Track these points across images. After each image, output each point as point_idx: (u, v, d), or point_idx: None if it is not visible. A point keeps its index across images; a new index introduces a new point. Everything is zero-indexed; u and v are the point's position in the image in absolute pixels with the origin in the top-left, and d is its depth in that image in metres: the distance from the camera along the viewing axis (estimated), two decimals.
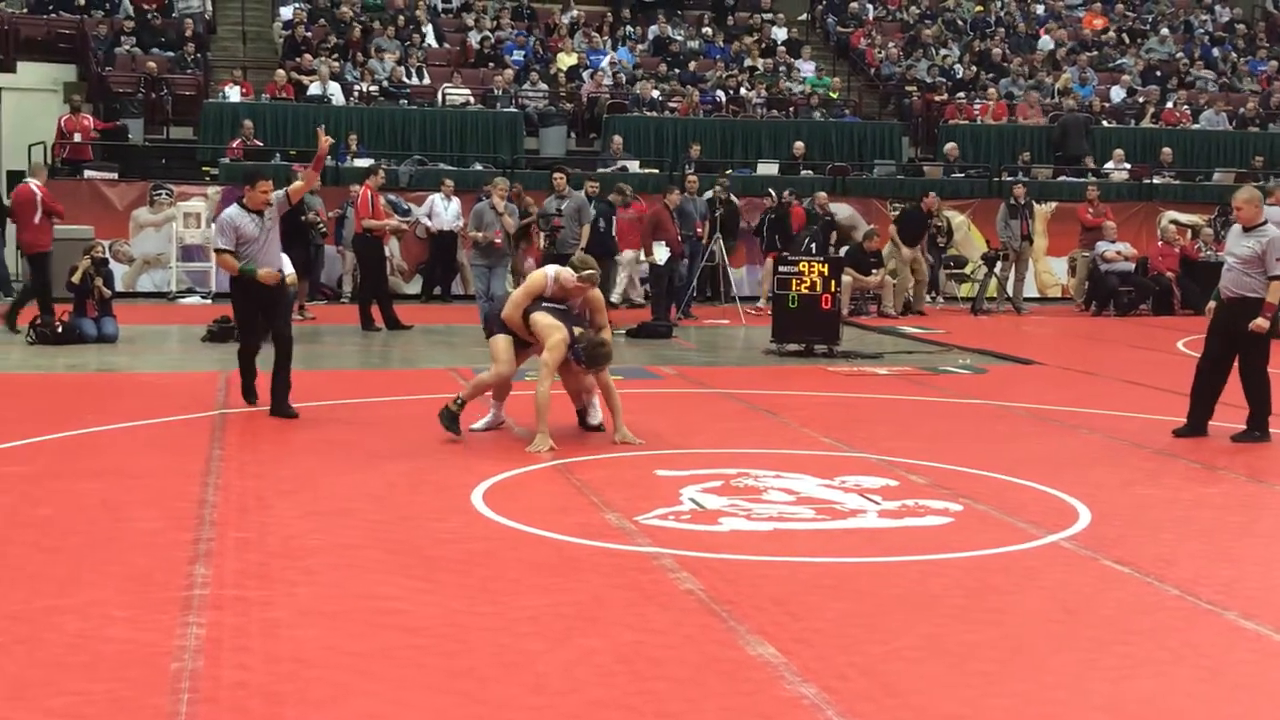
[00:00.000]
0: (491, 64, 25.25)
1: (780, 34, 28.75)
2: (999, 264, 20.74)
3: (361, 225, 16.44)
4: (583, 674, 4.89)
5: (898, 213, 20.87)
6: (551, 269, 9.55)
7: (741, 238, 20.95)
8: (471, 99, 23.72)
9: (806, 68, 27.32)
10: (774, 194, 20.38)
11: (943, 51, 28.61)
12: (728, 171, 21.97)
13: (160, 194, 19.89)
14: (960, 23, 30.41)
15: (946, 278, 22.04)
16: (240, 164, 20.73)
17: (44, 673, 4.79)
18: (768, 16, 29.25)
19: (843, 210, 21.59)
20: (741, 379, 12.79)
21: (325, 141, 10.74)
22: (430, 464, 8.57)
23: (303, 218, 17.57)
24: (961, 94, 26.58)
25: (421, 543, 6.67)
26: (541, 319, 9.18)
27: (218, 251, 10.37)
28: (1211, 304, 10.38)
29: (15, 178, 21.25)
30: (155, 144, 22.43)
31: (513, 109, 23.66)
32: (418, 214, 20.44)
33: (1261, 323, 9.67)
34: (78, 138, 20.93)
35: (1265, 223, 9.87)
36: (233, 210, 10.33)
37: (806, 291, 14.61)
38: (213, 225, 10.24)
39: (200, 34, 24.47)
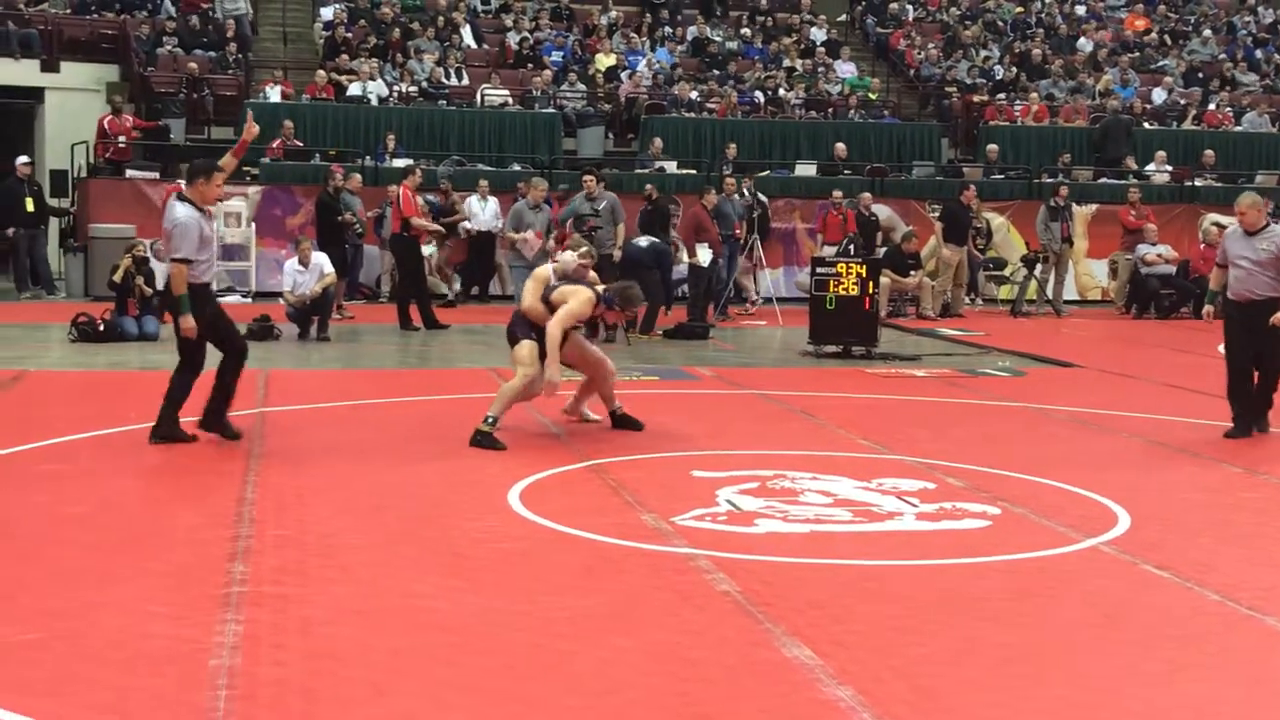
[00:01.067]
0: (530, 65, 25.31)
1: (819, 35, 28.69)
2: (1039, 266, 20.63)
3: (410, 225, 16.41)
4: (619, 674, 4.89)
5: (938, 211, 20.71)
6: (547, 264, 9.99)
7: (775, 238, 20.90)
8: (510, 100, 23.78)
9: (845, 69, 27.26)
10: (750, 192, 20.00)
11: (983, 52, 28.48)
12: (764, 173, 21.93)
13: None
14: (1000, 24, 30.27)
15: (985, 279, 21.94)
16: (281, 164, 20.89)
17: (84, 668, 4.83)
18: (807, 17, 29.20)
19: (881, 211, 21.53)
20: (778, 380, 12.77)
21: (252, 129, 9.42)
22: (467, 463, 8.59)
23: (339, 218, 17.66)
24: (1002, 95, 26.45)
25: (457, 542, 6.69)
26: (562, 289, 9.43)
27: (181, 261, 8.63)
28: (1209, 308, 10.94)
29: (58, 177, 21.47)
30: (196, 144, 22.59)
31: (551, 110, 23.70)
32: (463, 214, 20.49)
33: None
34: (121, 140, 21.11)
35: (1269, 225, 10.20)
36: (186, 210, 8.70)
37: (844, 293, 14.57)
38: (168, 226, 8.66)
39: (242, 35, 24.63)
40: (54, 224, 20.70)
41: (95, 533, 6.74)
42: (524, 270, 15.75)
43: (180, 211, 8.69)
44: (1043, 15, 30.81)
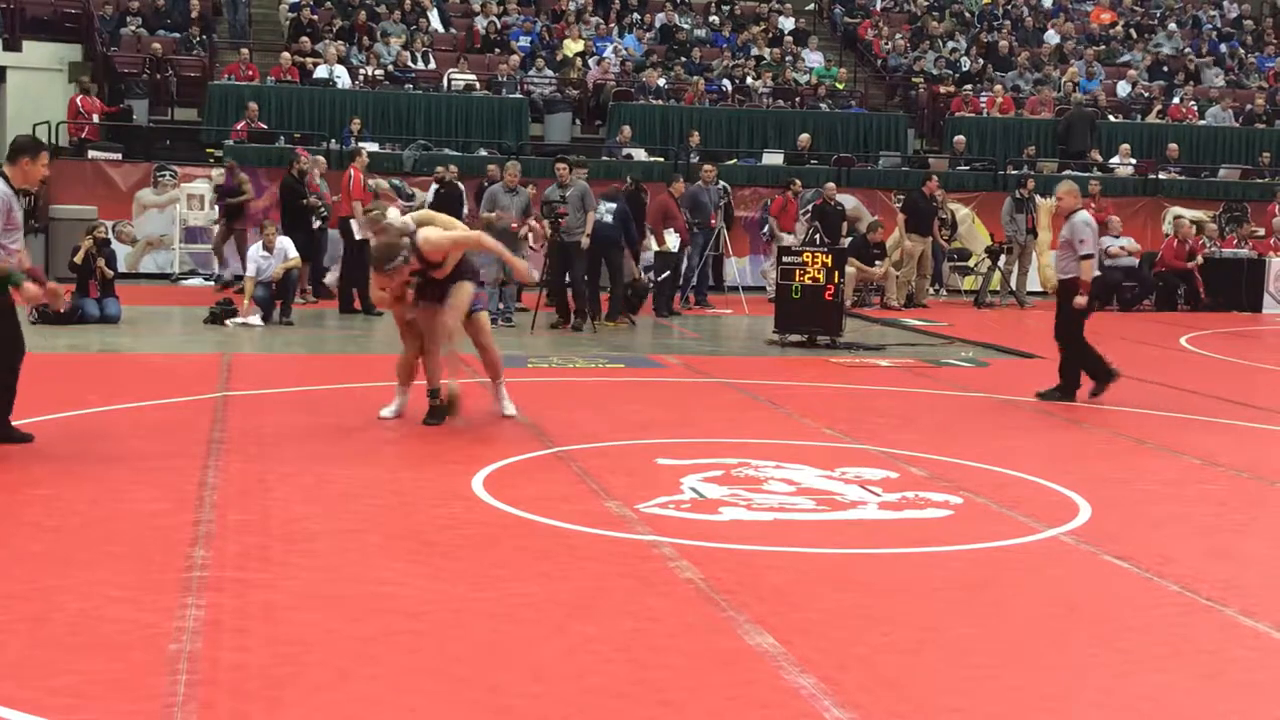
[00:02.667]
0: (498, 49, 25.22)
1: (788, 24, 28.71)
2: (1003, 257, 20.72)
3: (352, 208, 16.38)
4: (582, 661, 4.89)
5: (901, 202, 20.76)
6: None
7: (737, 227, 20.91)
8: (477, 84, 23.69)
9: (813, 58, 27.29)
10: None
11: (950, 44, 28.56)
12: (730, 161, 21.95)
13: (164, 175, 19.89)
14: (968, 15, 30.36)
15: (950, 270, 22.02)
16: (245, 145, 20.74)
17: (45, 652, 4.79)
18: (775, 6, 29.20)
19: (847, 201, 21.57)
20: (744, 369, 12.79)
21: (52, 296, 8.57)
22: (431, 449, 8.57)
23: (304, 201, 17.55)
24: (968, 86, 26.54)
25: (422, 528, 6.67)
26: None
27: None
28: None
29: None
30: (160, 125, 22.41)
31: (518, 95, 23.63)
32: (422, 199, 20.40)
33: (1081, 300, 11.16)
34: (96, 119, 20.93)
35: (1079, 210, 11.44)
36: (5, 187, 8.00)
37: (810, 282, 14.60)
38: None
39: (206, 16, 24.43)
40: None
41: (55, 516, 6.68)
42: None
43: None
44: (1010, 7, 30.92)
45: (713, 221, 18.39)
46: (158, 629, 5.02)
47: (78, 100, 21.22)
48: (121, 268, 17.33)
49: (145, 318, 15.37)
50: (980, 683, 4.85)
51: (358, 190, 16.44)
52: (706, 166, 19.25)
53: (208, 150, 21.12)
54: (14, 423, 8.36)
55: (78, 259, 14.93)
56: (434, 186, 19.04)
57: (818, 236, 18.46)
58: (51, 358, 12.17)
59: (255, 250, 15.53)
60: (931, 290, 20.81)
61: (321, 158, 18.87)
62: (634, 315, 16.32)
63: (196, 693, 4.45)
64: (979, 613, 5.65)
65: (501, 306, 15.58)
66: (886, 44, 28.03)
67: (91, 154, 20.31)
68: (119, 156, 20.27)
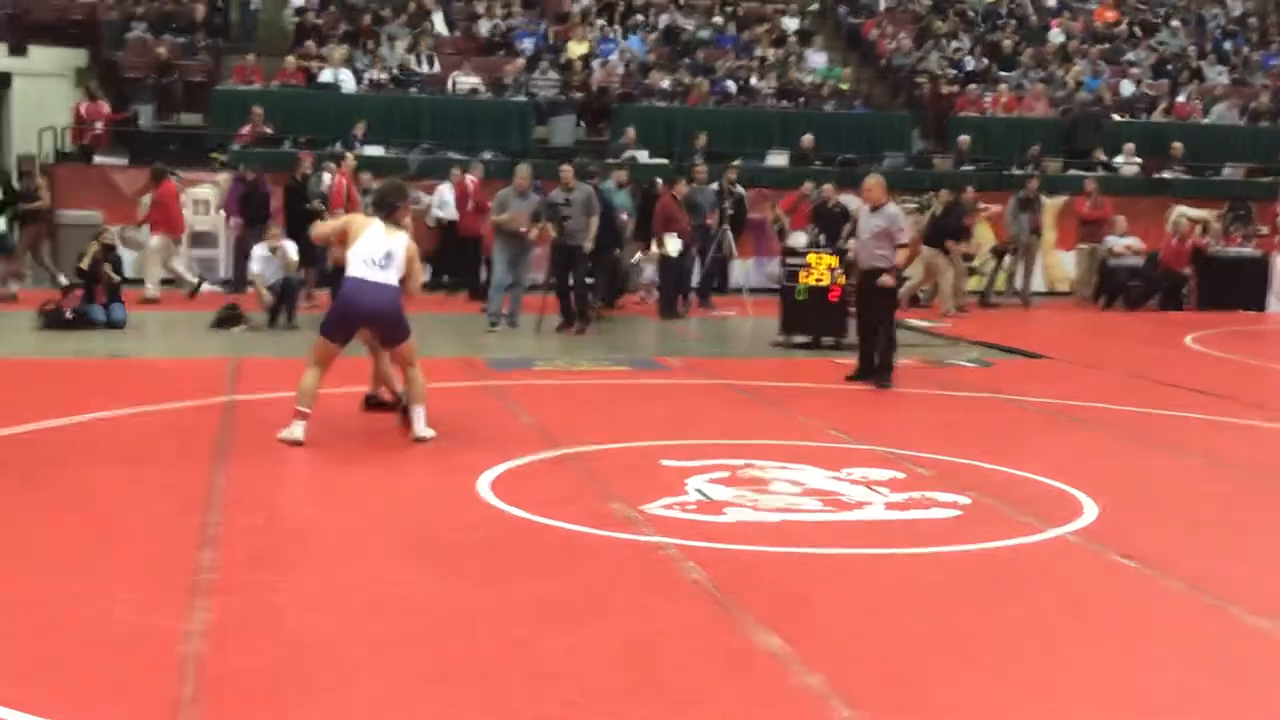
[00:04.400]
0: (502, 52, 25.24)
1: (792, 24, 28.70)
2: (1007, 257, 20.67)
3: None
4: (587, 662, 4.90)
5: (939, 207, 20.14)
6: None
7: (748, 228, 20.90)
8: (481, 87, 23.70)
9: (817, 58, 27.27)
10: (659, 181, 19.90)
11: (954, 43, 28.55)
12: (735, 162, 21.92)
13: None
14: (972, 14, 30.33)
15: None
16: (251, 151, 20.76)
17: (52, 656, 4.80)
18: (779, 6, 29.20)
19: (852, 202, 21.51)
20: (748, 370, 12.79)
21: None
22: (437, 452, 8.58)
23: (308, 204, 17.57)
24: (972, 86, 26.51)
25: (428, 530, 6.68)
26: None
27: None
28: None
29: (26, 162, 21.26)
30: (166, 130, 22.42)
31: (522, 98, 23.64)
32: (427, 202, 20.42)
33: (888, 280, 11.82)
34: (98, 125, 20.96)
35: (888, 203, 12.04)
36: None
37: (815, 284, 14.59)
38: None
39: (212, 20, 24.45)
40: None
41: (63, 521, 6.70)
42: (509, 257, 15.65)
43: None
44: (1013, 6, 30.89)
45: (709, 222, 18.35)
46: (165, 632, 5.03)
47: (82, 107, 21.23)
48: (128, 273, 17.35)
49: (151, 323, 15.39)
50: (988, 681, 4.86)
51: (339, 197, 16.50)
52: (698, 166, 19.22)
53: (212, 155, 21.13)
54: (17, 429, 8.38)
55: (84, 264, 14.95)
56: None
57: (821, 238, 18.42)
58: (58, 363, 12.19)
59: (260, 249, 15.56)
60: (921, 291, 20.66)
61: (331, 163, 18.85)
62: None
63: (204, 695, 4.46)
64: (986, 611, 5.65)
65: (507, 310, 15.58)
66: (891, 43, 28.01)
67: (97, 159, 20.32)
68: (125, 161, 20.28)
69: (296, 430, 8.60)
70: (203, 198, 19.95)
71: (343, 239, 9.00)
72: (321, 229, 9.73)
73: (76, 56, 23.29)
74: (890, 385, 11.76)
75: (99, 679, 4.60)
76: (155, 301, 17.00)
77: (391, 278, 8.70)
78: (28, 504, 7.05)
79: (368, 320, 8.87)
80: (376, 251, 8.70)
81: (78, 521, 6.69)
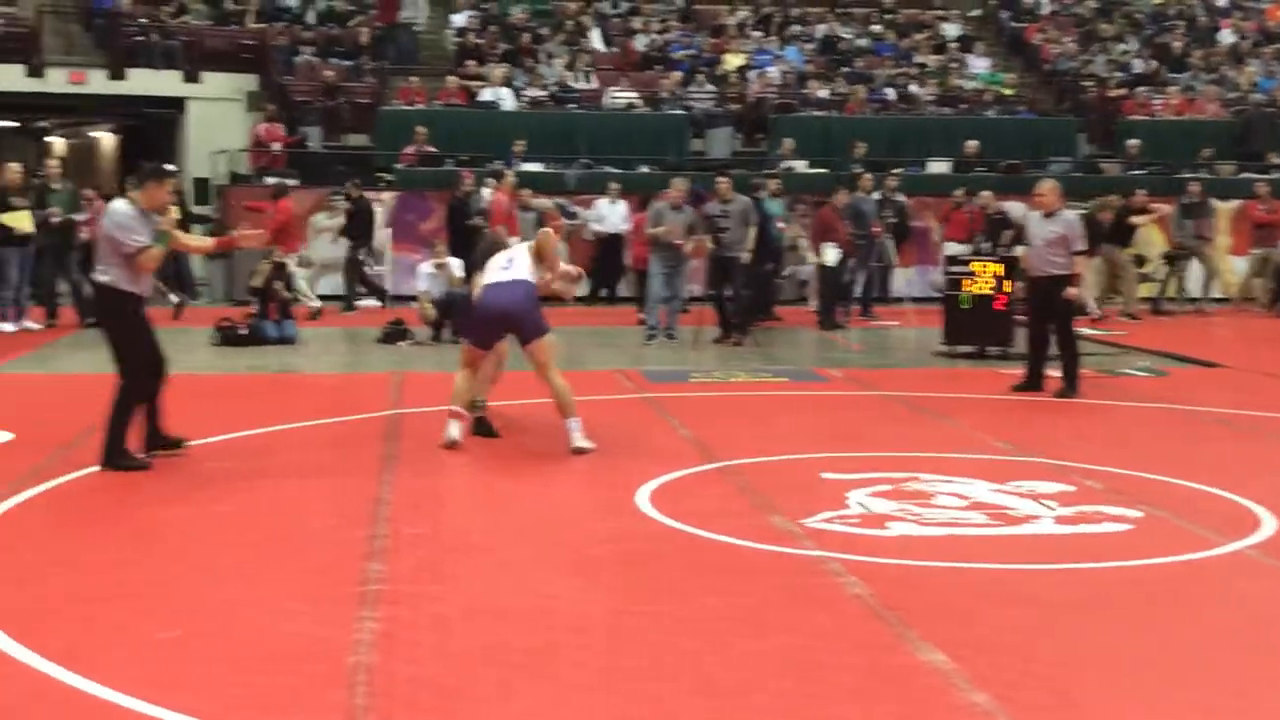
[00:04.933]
0: (658, 66, 25.37)
1: (952, 30, 28.34)
2: (1179, 264, 20.07)
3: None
4: (748, 677, 4.87)
5: (1112, 211, 19.72)
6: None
7: (911, 237, 20.66)
8: (638, 101, 23.85)
9: (979, 64, 26.87)
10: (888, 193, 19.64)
11: (1120, 46, 27.87)
12: (896, 170, 21.68)
13: (337, 200, 20.40)
14: (1139, 16, 29.58)
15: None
16: (415, 170, 21.19)
17: (225, 665, 4.94)
18: (939, 13, 28.86)
19: (1016, 209, 21.11)
20: (911, 381, 12.62)
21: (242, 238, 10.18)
22: (596, 465, 8.63)
23: (469, 222, 17.87)
24: (1141, 89, 25.84)
25: (587, 543, 6.72)
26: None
27: (143, 249, 8.28)
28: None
29: (200, 185, 22.03)
30: (333, 151, 23.02)
31: (679, 111, 23.72)
32: (585, 217, 20.62)
33: (1073, 292, 11.54)
34: (276, 147, 21.63)
35: (1063, 208, 11.72)
36: (130, 208, 8.40)
37: (979, 292, 14.35)
38: (117, 228, 8.22)
39: (377, 43, 25.03)
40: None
41: (236, 532, 6.90)
42: (666, 271, 15.72)
43: (122, 209, 8.36)
44: (1182, 7, 30.04)
45: (874, 231, 18.19)
46: (335, 642, 5.14)
47: (261, 129, 21.91)
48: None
49: (320, 338, 15.79)
50: (1163, 702, 4.70)
51: (500, 214, 16.70)
52: (864, 176, 19.05)
53: (378, 174, 21.63)
54: (194, 442, 8.71)
55: (257, 282, 15.43)
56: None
57: (985, 245, 18.10)
58: (232, 378, 12.58)
59: (425, 267, 15.86)
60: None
61: (491, 180, 19.14)
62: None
63: (374, 704, 4.54)
64: (1160, 629, 5.48)
65: (665, 323, 15.63)
66: (1055, 48, 27.45)
67: (268, 180, 20.95)
68: (295, 182, 20.87)
69: (452, 430, 8.94)
70: None
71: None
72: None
73: (247, 81, 24.05)
74: (1075, 394, 11.44)
75: (274, 688, 4.71)
76: (317, 315, 17.44)
77: (522, 276, 9.16)
78: (204, 515, 7.28)
79: (500, 318, 9.18)
80: (500, 261, 9.35)
81: (250, 533, 6.89)
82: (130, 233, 8.20)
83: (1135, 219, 19.35)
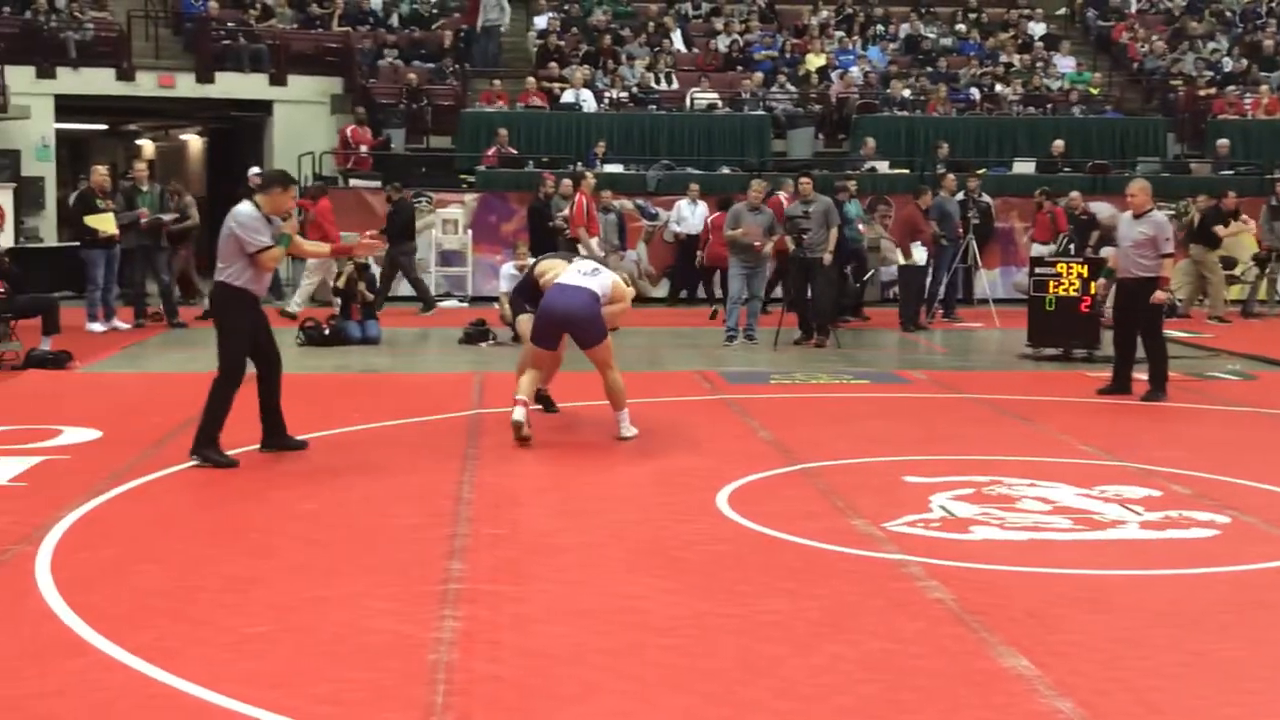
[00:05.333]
0: (740, 67, 25.32)
1: (1038, 29, 28.04)
2: (1270, 265, 19.68)
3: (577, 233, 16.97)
4: (830, 681, 4.84)
5: (1200, 214, 19.46)
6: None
7: (995, 237, 20.46)
8: (719, 102, 23.82)
9: (1065, 63, 26.56)
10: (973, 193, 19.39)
11: (1210, 44, 27.41)
12: (980, 170, 21.47)
13: (420, 201, 20.58)
14: (1229, 14, 29.07)
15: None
16: (496, 171, 21.31)
17: (309, 661, 5.00)
18: (1024, 11, 28.56)
19: (1103, 209, 20.83)
20: (995, 384, 12.49)
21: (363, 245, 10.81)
22: (676, 466, 8.63)
23: (550, 223, 17.95)
24: (1231, 88, 25.40)
25: (668, 544, 6.72)
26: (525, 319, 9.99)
27: (264, 249, 8.50)
28: (1102, 281, 12.60)
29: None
30: (416, 153, 23.23)
31: (760, 112, 23.66)
32: (665, 218, 20.64)
33: (1161, 295, 11.42)
34: (363, 149, 21.88)
35: (1153, 209, 11.59)
36: (255, 211, 8.59)
37: (1065, 294, 14.18)
38: (241, 228, 8.44)
39: (459, 46, 25.22)
40: None
41: (321, 530, 6.98)
42: (744, 272, 15.67)
43: (247, 212, 8.55)
44: (1273, 5, 29.48)
45: (959, 232, 18.04)
46: (417, 639, 5.18)
47: (348, 131, 22.16)
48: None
49: (403, 339, 15.94)
50: (1252, 710, 4.61)
51: (580, 215, 16.80)
52: (949, 176, 18.88)
53: (461, 176, 21.78)
54: (295, 438, 8.98)
55: (340, 283, 15.59)
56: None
57: (1071, 246, 17.88)
58: (318, 378, 12.71)
59: (508, 268, 15.93)
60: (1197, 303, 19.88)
61: (568, 180, 19.21)
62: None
63: (454, 702, 4.57)
64: (1250, 636, 5.37)
65: (745, 324, 15.59)
66: (1143, 46, 27.06)
67: (353, 182, 21.19)
68: (379, 184, 21.09)
69: (518, 413, 9.18)
70: (452, 217, 20.59)
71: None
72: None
73: (332, 84, 24.36)
74: (1162, 398, 11.37)
75: (355, 684, 4.76)
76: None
77: (592, 285, 9.32)
78: (290, 514, 7.37)
79: (563, 322, 9.32)
80: (588, 265, 9.61)
81: (335, 531, 6.96)
82: (254, 233, 8.48)
83: (1221, 230, 19.01)
